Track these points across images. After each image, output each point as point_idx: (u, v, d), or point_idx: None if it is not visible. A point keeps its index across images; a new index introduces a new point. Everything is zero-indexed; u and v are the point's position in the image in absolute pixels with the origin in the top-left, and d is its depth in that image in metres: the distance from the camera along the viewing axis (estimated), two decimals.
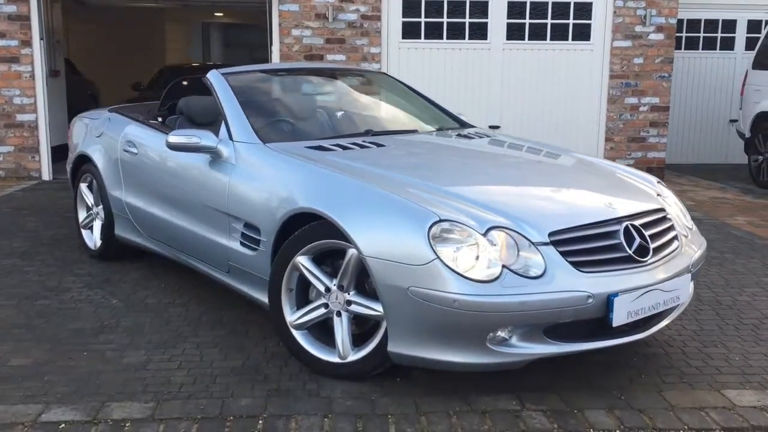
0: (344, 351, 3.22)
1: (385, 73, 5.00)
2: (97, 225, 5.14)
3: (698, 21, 10.39)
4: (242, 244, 3.67)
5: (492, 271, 2.86)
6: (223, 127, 3.97)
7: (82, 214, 5.32)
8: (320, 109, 4.53)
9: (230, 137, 3.89)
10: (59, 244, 5.60)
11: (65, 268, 4.95)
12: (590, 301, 2.90)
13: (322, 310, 3.28)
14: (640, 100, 8.85)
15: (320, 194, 3.25)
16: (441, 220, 2.93)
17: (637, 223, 3.20)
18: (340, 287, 3.20)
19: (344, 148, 3.78)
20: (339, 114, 4.49)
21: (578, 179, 3.68)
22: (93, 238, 5.18)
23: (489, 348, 2.90)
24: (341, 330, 3.23)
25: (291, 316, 3.36)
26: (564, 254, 2.97)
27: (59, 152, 8.96)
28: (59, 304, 4.25)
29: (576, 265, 2.96)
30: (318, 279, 3.26)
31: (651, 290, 3.05)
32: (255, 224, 3.56)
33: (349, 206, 3.11)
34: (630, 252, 3.09)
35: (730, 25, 10.48)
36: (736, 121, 10.48)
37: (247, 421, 2.91)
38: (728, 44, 10.55)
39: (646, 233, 3.19)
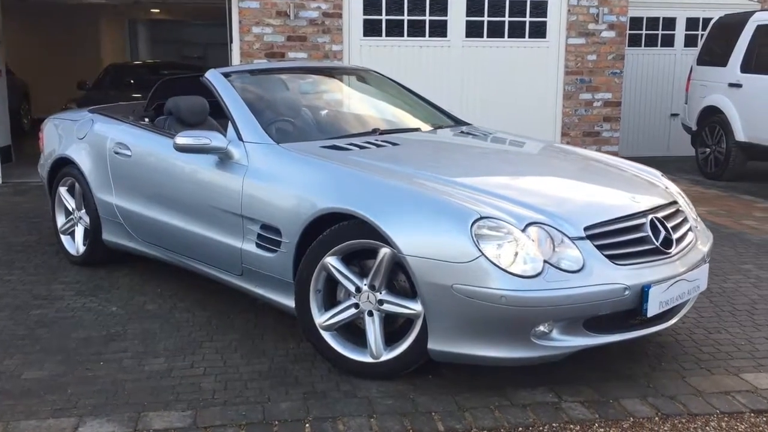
0: (377, 350, 3.22)
1: (375, 71, 4.99)
2: (80, 230, 4.96)
3: (641, 19, 10.72)
4: (259, 245, 3.61)
5: (534, 266, 2.91)
6: (230, 128, 3.90)
7: (61, 219, 5.13)
8: (322, 107, 4.50)
9: (239, 138, 3.82)
10: (33, 250, 5.38)
11: (49, 276, 4.77)
12: (627, 293, 2.99)
13: (353, 311, 3.26)
14: (594, 95, 9.10)
15: (352, 194, 3.23)
16: (482, 218, 2.96)
17: (660, 215, 3.31)
18: (372, 287, 3.20)
19: (360, 147, 3.77)
20: (342, 113, 4.47)
21: (596, 175, 3.77)
22: (75, 243, 5.00)
23: (532, 342, 2.95)
24: (373, 330, 3.22)
25: (320, 318, 3.34)
26: (599, 248, 3.04)
27: None
28: (56, 313, 4.09)
29: (610, 258, 3.04)
30: (348, 279, 3.24)
31: (678, 280, 3.16)
32: (275, 226, 3.51)
33: (386, 206, 3.11)
34: (657, 244, 3.19)
35: (670, 23, 10.85)
36: (677, 115, 10.89)
37: (293, 425, 2.88)
38: (668, 41, 10.92)
39: (668, 226, 3.31)
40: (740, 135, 8.45)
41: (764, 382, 3.27)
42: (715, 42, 9.13)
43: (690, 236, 3.46)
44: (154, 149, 4.29)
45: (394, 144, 3.89)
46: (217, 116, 4.65)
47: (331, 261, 3.26)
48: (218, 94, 4.08)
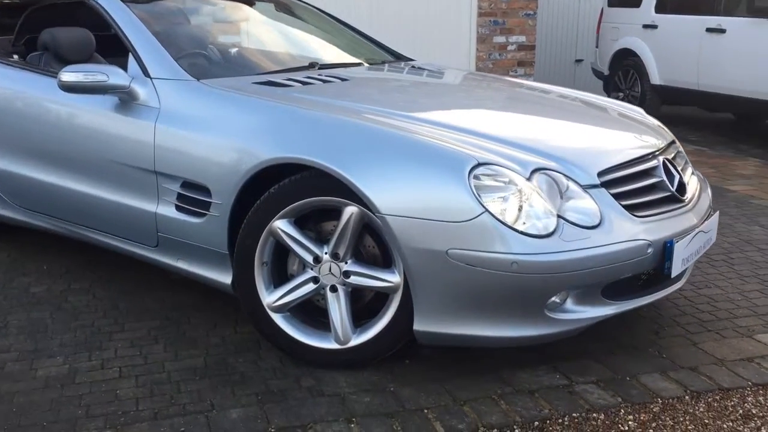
0: (344, 334, 2.58)
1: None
2: None
3: None
4: (180, 208, 2.87)
5: (546, 222, 2.34)
6: (131, 62, 3.08)
7: None
8: (244, 39, 3.72)
9: (145, 74, 3.02)
10: None
11: None
12: (650, 250, 2.48)
13: (311, 286, 2.60)
14: (508, 38, 8.61)
15: (306, 139, 2.54)
16: (480, 164, 2.35)
17: (669, 157, 2.82)
18: (334, 255, 2.54)
19: (303, 83, 3.06)
20: (269, 45, 3.71)
21: (588, 114, 3.23)
22: None
23: (547, 316, 2.40)
24: (338, 308, 2.58)
25: (269, 297, 2.65)
26: (615, 197, 2.51)
27: None
28: None
29: (628, 209, 2.52)
30: (305, 248, 2.57)
31: (698, 233, 2.68)
32: (201, 183, 2.77)
33: (353, 153, 2.44)
34: (673, 190, 2.69)
35: None
36: (581, 60, 10.65)
37: None
38: None
39: (679, 168, 2.82)
40: (656, 78, 8.22)
41: None
42: None
43: (695, 181, 3.00)
44: (29, 92, 3.40)
45: (342, 79, 3.19)
46: (105, 54, 3.83)
47: (281, 225, 2.57)
48: (112, 20, 3.24)
